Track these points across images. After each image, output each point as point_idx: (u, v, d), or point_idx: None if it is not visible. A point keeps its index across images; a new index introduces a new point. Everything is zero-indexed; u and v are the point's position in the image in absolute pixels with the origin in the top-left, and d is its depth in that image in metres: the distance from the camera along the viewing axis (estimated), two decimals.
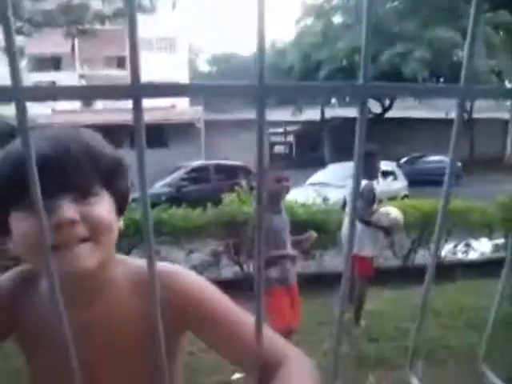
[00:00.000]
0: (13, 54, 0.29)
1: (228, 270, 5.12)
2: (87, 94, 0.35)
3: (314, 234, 3.29)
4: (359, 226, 3.72)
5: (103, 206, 0.72)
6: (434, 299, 4.34)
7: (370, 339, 3.74)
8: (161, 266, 0.79)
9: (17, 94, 0.30)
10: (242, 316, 0.76)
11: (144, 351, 0.64)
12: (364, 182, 3.88)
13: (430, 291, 0.46)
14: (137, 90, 0.31)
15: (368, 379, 3.08)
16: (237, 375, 3.00)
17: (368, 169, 3.78)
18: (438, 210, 0.36)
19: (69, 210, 0.67)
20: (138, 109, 0.32)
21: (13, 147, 0.70)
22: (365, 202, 3.78)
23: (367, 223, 3.84)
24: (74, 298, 0.74)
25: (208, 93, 0.32)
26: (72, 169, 0.68)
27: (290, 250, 3.03)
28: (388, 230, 3.98)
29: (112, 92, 0.33)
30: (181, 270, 0.83)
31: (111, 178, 0.74)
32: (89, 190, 0.70)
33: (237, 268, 5.23)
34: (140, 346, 0.73)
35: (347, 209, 4.04)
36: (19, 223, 0.68)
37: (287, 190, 3.05)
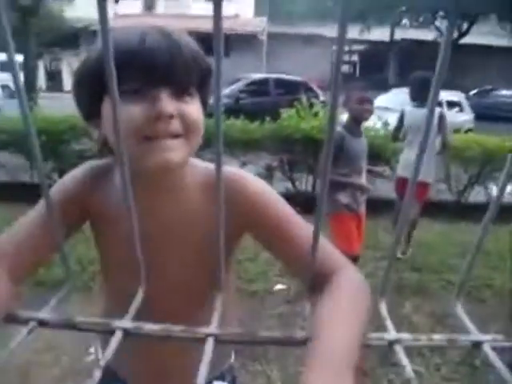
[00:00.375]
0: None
1: (280, 185, 5.15)
2: None
3: (386, 172, 3.24)
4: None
5: (196, 106, 0.73)
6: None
7: (414, 268, 3.76)
8: (228, 170, 0.80)
9: None
10: (302, 224, 0.78)
11: (208, 249, 0.67)
12: (437, 110, 3.74)
13: (487, 230, 0.45)
14: None
15: (404, 306, 3.14)
16: (279, 286, 3.13)
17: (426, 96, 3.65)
18: (505, 148, 0.34)
19: (169, 104, 0.68)
20: (218, 13, 0.31)
21: (117, 33, 0.70)
22: (437, 130, 3.66)
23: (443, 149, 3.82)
24: (148, 192, 0.78)
25: None
26: (179, 65, 0.69)
27: (363, 179, 2.95)
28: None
29: None
30: (248, 174, 0.84)
31: (204, 80, 0.75)
32: (188, 88, 0.71)
33: (289, 184, 5.27)
34: (204, 244, 0.76)
35: (409, 136, 3.88)
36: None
37: (370, 113, 2.88)
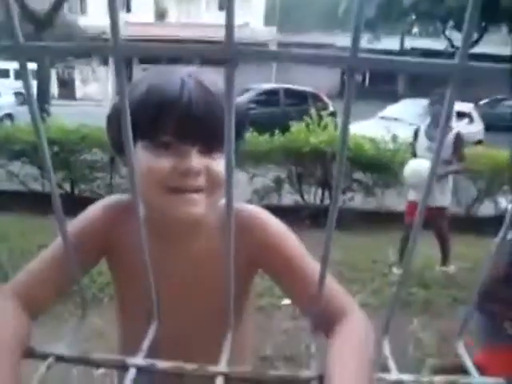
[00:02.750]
0: (115, 16, 0.30)
1: (289, 198, 5.17)
2: (180, 54, 0.35)
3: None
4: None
5: (223, 161, 0.74)
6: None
7: (421, 284, 3.72)
8: (246, 207, 0.83)
9: (116, 51, 0.31)
10: (313, 265, 0.79)
11: (222, 287, 0.69)
12: (455, 129, 3.74)
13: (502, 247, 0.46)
14: (231, 54, 0.31)
15: (412, 323, 3.12)
16: (286, 301, 3.14)
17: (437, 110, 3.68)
18: None
19: (198, 160, 0.71)
20: (230, 74, 0.33)
21: (151, 81, 0.71)
22: (452, 150, 3.61)
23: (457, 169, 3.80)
24: (166, 233, 0.80)
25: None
26: (212, 123, 0.69)
27: None
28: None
29: (205, 53, 0.33)
30: (265, 212, 0.85)
31: (237, 135, 0.76)
32: (218, 145, 0.72)
33: (298, 197, 5.28)
34: (218, 282, 0.78)
35: (420, 150, 3.82)
36: (142, 154, 0.71)
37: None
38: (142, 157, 0.71)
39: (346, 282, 3.55)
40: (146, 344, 0.55)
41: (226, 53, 0.32)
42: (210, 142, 0.72)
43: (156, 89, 0.69)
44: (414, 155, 3.87)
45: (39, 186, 5.11)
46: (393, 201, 4.79)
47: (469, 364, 0.51)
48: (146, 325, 0.56)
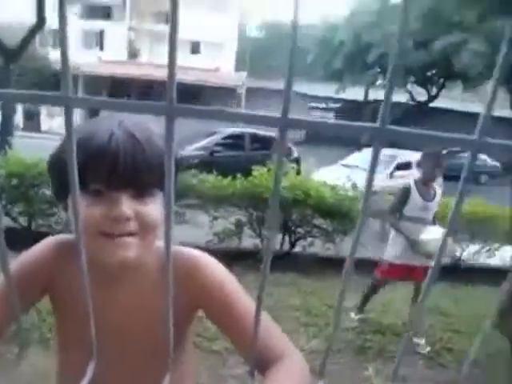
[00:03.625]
0: (66, 67, 0.32)
1: (249, 241, 5.18)
2: (125, 108, 0.37)
3: None
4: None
5: (156, 206, 0.77)
6: (447, 301, 4.33)
7: (377, 331, 3.75)
8: (185, 250, 0.85)
9: (66, 101, 0.32)
10: (251, 307, 0.80)
11: (161, 330, 0.70)
12: (408, 181, 3.63)
13: (429, 292, 0.48)
14: (172, 111, 0.32)
15: (367, 369, 3.14)
16: None
17: (427, 167, 3.46)
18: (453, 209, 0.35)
19: (128, 206, 0.73)
20: (169, 128, 0.36)
21: (82, 131, 0.73)
22: (396, 201, 3.56)
23: (393, 225, 3.64)
24: (106, 275, 0.81)
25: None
26: (141, 170, 0.72)
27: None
28: (412, 246, 3.44)
29: (148, 109, 0.35)
30: (203, 255, 0.88)
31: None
32: (149, 190, 0.75)
33: (258, 241, 5.31)
34: (157, 325, 0.78)
35: (412, 210, 3.53)
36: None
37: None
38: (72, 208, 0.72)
39: (302, 327, 3.55)
40: (84, 383, 0.55)
41: (166, 110, 0.34)
42: (140, 188, 0.74)
43: (86, 138, 0.71)
44: (400, 215, 3.55)
45: None
46: (348, 247, 4.86)
47: None
48: (84, 363, 0.57)
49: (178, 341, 0.84)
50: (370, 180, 0.37)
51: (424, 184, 3.53)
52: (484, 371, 2.66)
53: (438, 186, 3.73)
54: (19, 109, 19.35)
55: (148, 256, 0.83)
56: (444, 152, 15.94)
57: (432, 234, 3.31)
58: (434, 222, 3.57)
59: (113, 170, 0.71)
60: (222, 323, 0.83)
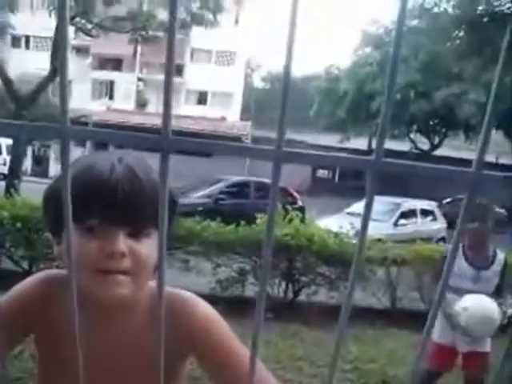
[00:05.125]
0: (64, 97, 0.33)
1: (252, 289, 5.11)
2: (121, 140, 0.37)
3: None
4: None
5: (150, 246, 0.76)
6: None
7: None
8: (177, 292, 0.83)
9: (62, 131, 0.32)
10: (245, 354, 0.78)
11: (153, 373, 0.68)
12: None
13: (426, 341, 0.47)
14: (167, 143, 0.32)
15: None
16: None
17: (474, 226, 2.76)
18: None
19: (123, 243, 0.72)
20: (164, 163, 0.35)
21: (82, 165, 0.74)
22: (438, 271, 2.93)
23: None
24: (96, 313, 0.79)
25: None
26: (138, 208, 0.72)
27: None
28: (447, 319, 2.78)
29: (144, 142, 0.35)
30: (195, 298, 0.86)
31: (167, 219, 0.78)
32: (145, 229, 0.74)
33: None
34: (149, 367, 0.76)
35: (460, 281, 2.76)
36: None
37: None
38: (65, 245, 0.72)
39: (306, 378, 3.44)
40: None
41: (162, 143, 0.34)
42: (136, 226, 0.74)
43: (85, 172, 0.71)
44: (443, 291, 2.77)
45: None
46: (355, 295, 4.77)
47: None
48: None
49: (169, 382, 0.82)
50: (365, 217, 0.36)
51: (472, 248, 2.84)
52: None
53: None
54: (29, 154, 19.68)
55: (140, 295, 0.81)
56: (447, 200, 15.58)
57: (467, 302, 2.63)
58: (498, 295, 2.82)
59: (111, 204, 0.71)
60: (211, 366, 0.81)
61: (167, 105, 0.33)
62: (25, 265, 5.06)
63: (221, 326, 0.83)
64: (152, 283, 0.84)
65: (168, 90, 0.32)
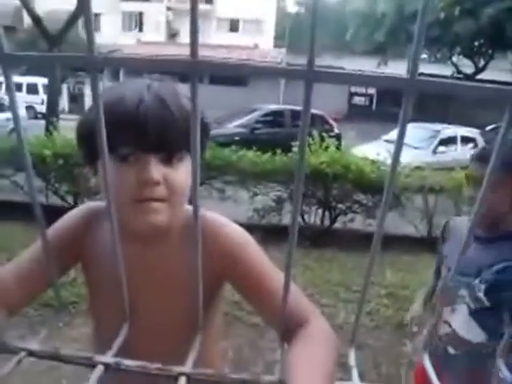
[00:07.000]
0: (89, 26, 0.32)
1: (289, 217, 5.17)
2: (150, 66, 0.36)
3: None
4: None
5: (184, 170, 0.77)
6: None
7: None
8: (211, 217, 0.85)
9: (90, 61, 0.32)
10: (278, 276, 0.81)
11: (189, 292, 0.71)
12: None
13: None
14: (194, 66, 0.31)
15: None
16: None
17: None
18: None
19: (156, 171, 0.73)
20: (194, 86, 0.35)
21: (111, 95, 0.73)
22: None
23: None
24: (136, 240, 0.82)
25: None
26: (170, 133, 0.72)
27: None
28: None
29: (172, 67, 0.35)
30: (229, 222, 0.88)
31: (200, 145, 0.79)
32: (177, 154, 0.75)
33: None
34: (186, 287, 0.80)
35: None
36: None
37: None
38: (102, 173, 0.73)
39: (341, 303, 3.54)
40: (116, 343, 0.56)
41: (190, 67, 0.34)
42: (168, 152, 0.74)
43: (115, 101, 0.71)
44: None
45: (43, 198, 5.16)
46: (392, 223, 4.77)
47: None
48: (118, 325, 0.58)
49: (207, 303, 0.86)
50: (399, 142, 0.35)
51: None
52: None
53: None
54: (64, 92, 19.88)
55: (177, 221, 0.83)
56: (490, 127, 14.73)
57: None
58: None
59: (142, 132, 0.71)
60: (247, 290, 0.83)
61: (193, 28, 0.32)
62: (70, 200, 5.27)
63: (254, 248, 0.85)
64: (188, 207, 0.86)
65: (194, 11, 0.31)
